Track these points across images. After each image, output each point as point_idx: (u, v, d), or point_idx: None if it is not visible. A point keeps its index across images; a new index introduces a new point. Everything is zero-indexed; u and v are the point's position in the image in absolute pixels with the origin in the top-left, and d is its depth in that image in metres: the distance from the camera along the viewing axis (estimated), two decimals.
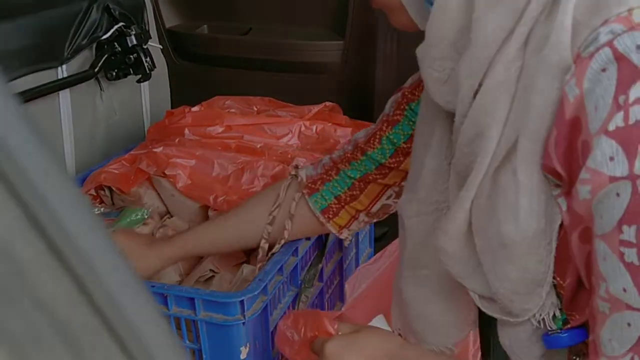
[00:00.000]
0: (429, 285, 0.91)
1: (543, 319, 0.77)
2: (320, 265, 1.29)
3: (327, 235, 1.33)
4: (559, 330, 0.77)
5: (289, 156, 1.49)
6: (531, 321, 0.78)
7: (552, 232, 0.72)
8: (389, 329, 0.94)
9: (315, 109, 1.64)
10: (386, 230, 1.80)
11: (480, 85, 0.71)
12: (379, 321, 0.99)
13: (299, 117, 1.61)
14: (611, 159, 0.62)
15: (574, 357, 0.81)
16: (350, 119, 1.64)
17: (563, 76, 0.65)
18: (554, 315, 0.77)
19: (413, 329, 0.96)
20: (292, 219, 1.15)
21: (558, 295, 0.77)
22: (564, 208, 0.70)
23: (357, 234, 1.54)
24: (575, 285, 0.74)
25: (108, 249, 0.24)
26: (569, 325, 0.77)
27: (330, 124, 1.59)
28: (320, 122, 1.59)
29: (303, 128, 1.58)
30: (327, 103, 1.66)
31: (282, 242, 1.16)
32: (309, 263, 1.28)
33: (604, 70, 0.63)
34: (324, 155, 1.51)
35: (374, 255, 1.60)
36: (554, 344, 0.78)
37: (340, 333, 0.88)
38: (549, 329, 0.78)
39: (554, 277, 0.75)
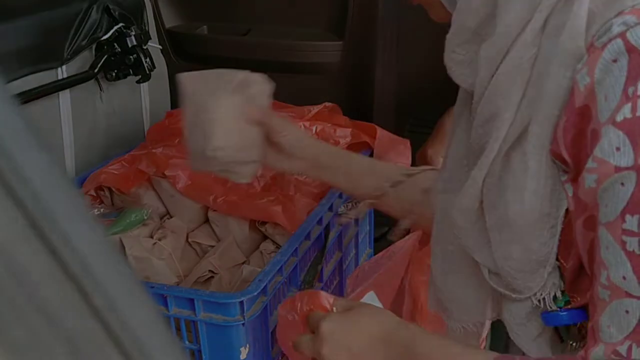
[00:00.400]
0: (452, 260, 0.92)
1: (544, 298, 0.79)
2: (320, 266, 1.29)
3: (326, 235, 1.33)
4: (558, 309, 0.80)
5: None
6: (532, 299, 0.80)
7: (557, 216, 0.74)
8: (380, 305, 0.96)
9: (314, 109, 1.64)
10: (386, 231, 1.80)
11: (497, 68, 0.74)
12: (369, 297, 0.99)
13: (299, 117, 1.61)
14: (617, 149, 0.64)
15: (571, 343, 0.82)
16: (350, 120, 1.64)
17: (575, 64, 0.67)
18: (555, 296, 0.79)
19: (443, 306, 0.97)
20: (425, 193, 1.09)
21: (562, 276, 0.79)
22: (570, 194, 0.72)
23: (357, 234, 1.54)
24: (577, 269, 0.76)
25: (107, 251, 0.24)
26: (569, 306, 0.79)
27: (330, 125, 1.59)
28: (320, 122, 1.59)
29: (303, 128, 1.58)
30: (327, 104, 1.66)
31: (412, 216, 1.12)
32: (309, 264, 1.28)
33: (615, 61, 0.64)
34: None
35: (374, 255, 1.60)
36: (552, 321, 0.80)
37: (335, 309, 0.89)
38: (549, 308, 0.80)
39: (557, 259, 0.77)
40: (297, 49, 1.86)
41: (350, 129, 1.58)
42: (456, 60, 0.81)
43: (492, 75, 0.75)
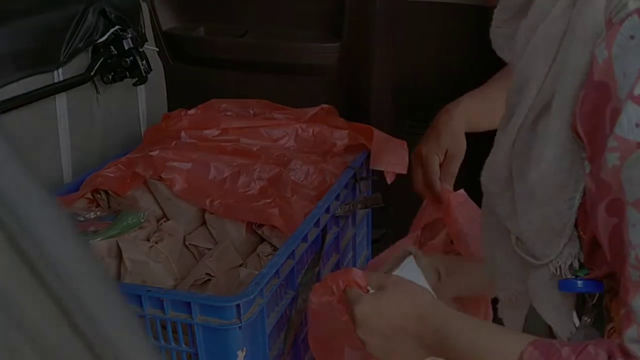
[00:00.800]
0: (494, 230, 0.94)
1: (560, 266, 0.82)
2: (317, 268, 1.28)
3: (324, 237, 1.33)
4: (574, 277, 0.82)
5: (286, 159, 1.49)
6: (549, 266, 0.82)
7: (576, 190, 0.76)
8: (418, 273, 0.97)
9: (311, 111, 1.63)
10: (384, 232, 1.80)
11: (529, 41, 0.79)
12: (408, 263, 0.99)
13: (296, 119, 1.61)
14: (637, 125, 0.65)
15: (586, 318, 0.85)
16: (347, 121, 1.63)
17: (595, 39, 0.70)
18: (572, 265, 0.81)
19: (492, 275, 0.99)
20: None
21: (582, 247, 0.80)
22: (587, 171, 0.74)
23: (355, 235, 1.53)
24: (593, 242, 0.78)
25: (88, 267, 0.23)
26: (586, 276, 0.81)
27: (327, 127, 1.59)
28: (317, 124, 1.59)
29: (300, 131, 1.58)
30: (324, 105, 1.66)
31: None
32: (306, 266, 1.27)
33: (632, 37, 0.67)
34: (320, 158, 1.51)
35: (372, 257, 1.60)
36: (567, 288, 0.83)
37: (368, 287, 0.93)
38: (564, 276, 0.82)
39: (577, 230, 0.79)
40: (294, 51, 1.85)
41: (347, 131, 1.58)
42: (500, 34, 0.87)
43: (525, 47, 0.79)
